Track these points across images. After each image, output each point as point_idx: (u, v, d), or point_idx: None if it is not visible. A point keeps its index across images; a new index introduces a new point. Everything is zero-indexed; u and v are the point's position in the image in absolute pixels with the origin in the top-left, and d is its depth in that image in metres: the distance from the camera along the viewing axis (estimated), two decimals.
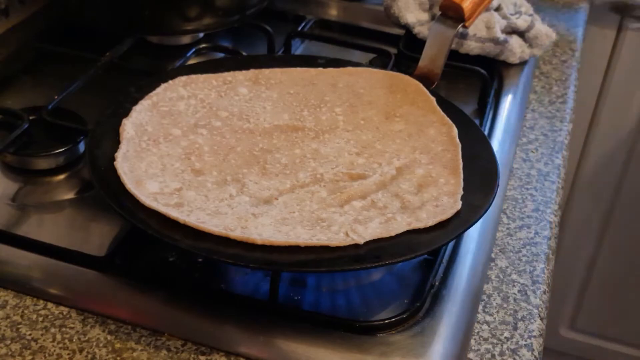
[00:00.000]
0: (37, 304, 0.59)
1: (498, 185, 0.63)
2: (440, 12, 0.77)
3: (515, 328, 0.61)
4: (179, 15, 0.89)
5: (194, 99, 0.72)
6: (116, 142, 0.64)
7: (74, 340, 0.57)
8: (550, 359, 1.44)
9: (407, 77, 0.76)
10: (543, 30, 0.95)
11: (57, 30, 0.96)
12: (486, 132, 0.81)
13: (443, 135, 0.69)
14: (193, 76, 0.74)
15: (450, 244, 0.66)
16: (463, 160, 0.66)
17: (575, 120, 0.94)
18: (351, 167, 0.66)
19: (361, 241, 0.56)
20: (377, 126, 0.71)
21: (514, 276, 0.66)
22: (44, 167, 0.73)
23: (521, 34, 0.95)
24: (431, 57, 0.76)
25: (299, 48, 0.98)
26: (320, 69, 0.77)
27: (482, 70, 0.89)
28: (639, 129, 1.38)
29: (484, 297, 0.64)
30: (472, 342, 0.60)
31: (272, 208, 0.60)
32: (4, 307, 0.59)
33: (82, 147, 0.74)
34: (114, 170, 0.61)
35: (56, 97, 0.76)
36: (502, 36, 0.92)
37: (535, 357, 0.59)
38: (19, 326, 0.57)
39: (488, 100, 0.88)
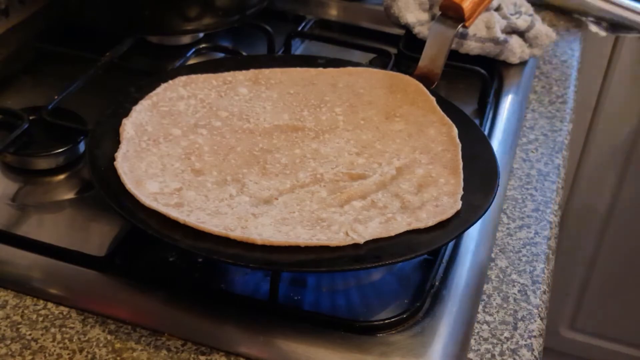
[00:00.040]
0: (37, 304, 0.59)
1: (498, 185, 0.63)
2: (440, 12, 0.77)
3: (515, 328, 0.61)
4: (179, 15, 0.89)
5: (194, 99, 0.72)
6: (116, 142, 0.64)
7: (74, 340, 0.57)
8: (550, 359, 1.44)
9: (407, 77, 0.76)
10: (543, 30, 0.95)
11: (57, 30, 0.96)
12: (486, 132, 0.81)
13: (443, 135, 0.69)
14: (193, 76, 0.74)
15: (450, 244, 0.66)
16: (463, 160, 0.66)
17: (575, 120, 0.94)
18: (351, 167, 0.66)
19: (361, 241, 0.56)
20: (377, 126, 0.71)
21: (514, 276, 0.66)
22: (44, 167, 0.73)
23: (521, 34, 0.95)
24: (431, 57, 0.76)
25: (299, 48, 0.98)
26: (320, 69, 0.77)
27: (482, 70, 0.89)
28: (639, 129, 1.38)
29: (484, 297, 0.64)
30: (472, 342, 0.60)
31: (272, 208, 0.60)
32: (4, 307, 0.59)
33: (82, 147, 0.74)
34: (114, 170, 0.61)
35: (56, 97, 0.76)
36: (502, 36, 0.92)
37: (535, 357, 0.59)
38: (19, 326, 0.57)
39: (488, 100, 0.88)
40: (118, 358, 0.55)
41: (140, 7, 0.87)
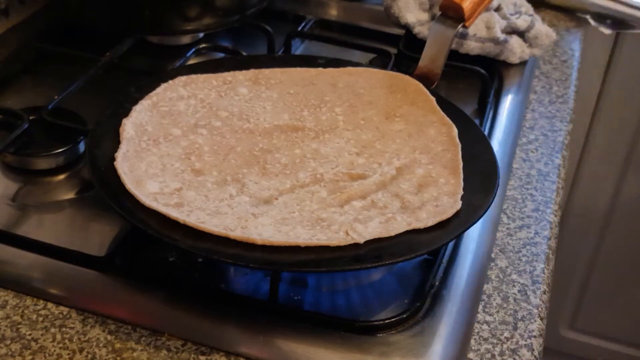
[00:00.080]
0: (37, 304, 0.59)
1: (498, 185, 0.63)
2: (440, 12, 0.77)
3: (515, 328, 0.61)
4: (179, 15, 0.89)
5: (194, 99, 0.72)
6: (116, 142, 0.64)
7: (74, 340, 0.57)
8: (550, 359, 1.44)
9: (407, 77, 0.76)
10: (543, 30, 0.95)
11: (57, 30, 0.96)
12: (486, 132, 0.81)
13: (443, 135, 0.69)
14: (193, 76, 0.74)
15: (450, 244, 0.66)
16: (463, 160, 0.66)
17: (575, 120, 0.94)
18: (351, 167, 0.66)
19: (361, 240, 0.56)
20: (377, 126, 0.71)
21: (514, 276, 0.66)
22: (44, 167, 0.73)
23: (521, 34, 0.95)
24: (431, 57, 0.76)
25: (299, 48, 0.98)
26: (320, 69, 0.77)
27: (482, 70, 0.89)
28: (639, 129, 1.38)
29: (484, 297, 0.64)
30: (472, 342, 0.60)
31: (272, 208, 0.60)
32: (4, 307, 0.59)
33: (82, 147, 0.75)
34: (114, 170, 0.61)
35: (56, 97, 0.76)
36: (502, 36, 0.92)
37: (535, 357, 0.59)
38: (19, 326, 0.57)
39: (488, 100, 0.88)
40: (118, 358, 0.55)
41: (140, 7, 0.87)
